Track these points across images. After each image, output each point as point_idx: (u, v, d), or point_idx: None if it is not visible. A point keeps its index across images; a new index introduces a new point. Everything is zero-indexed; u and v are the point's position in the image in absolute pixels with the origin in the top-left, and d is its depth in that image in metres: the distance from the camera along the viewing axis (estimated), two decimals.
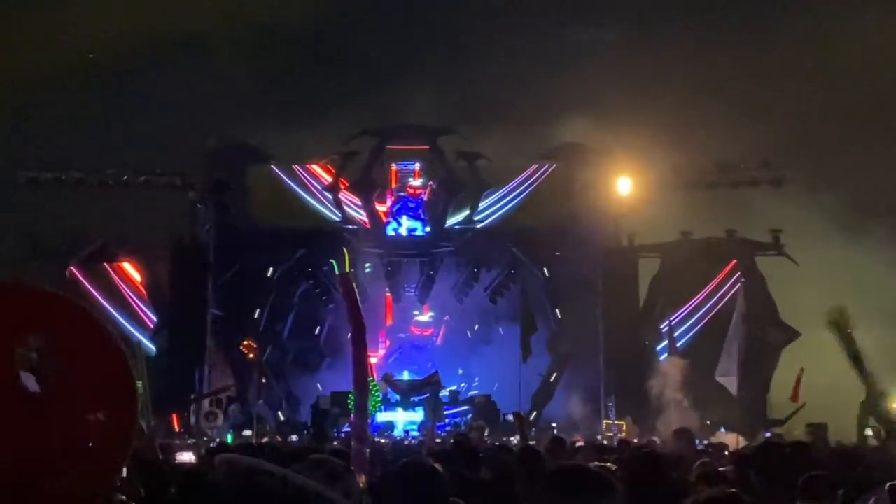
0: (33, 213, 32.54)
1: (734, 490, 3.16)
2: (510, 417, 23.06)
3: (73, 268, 32.13)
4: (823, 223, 29.06)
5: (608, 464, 7.69)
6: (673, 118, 31.20)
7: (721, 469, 7.21)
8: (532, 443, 11.03)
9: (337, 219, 34.10)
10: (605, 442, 20.36)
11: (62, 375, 2.96)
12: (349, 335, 3.99)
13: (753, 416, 29.49)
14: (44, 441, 2.84)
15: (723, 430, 24.40)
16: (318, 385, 33.17)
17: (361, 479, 2.91)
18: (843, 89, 33.18)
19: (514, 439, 21.76)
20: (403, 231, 34.17)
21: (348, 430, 23.55)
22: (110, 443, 2.95)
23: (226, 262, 33.90)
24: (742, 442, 16.65)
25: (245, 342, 31.56)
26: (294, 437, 25.84)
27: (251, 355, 30.86)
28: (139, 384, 3.27)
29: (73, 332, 3.07)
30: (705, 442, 17.19)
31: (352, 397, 26.17)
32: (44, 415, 2.89)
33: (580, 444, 13.69)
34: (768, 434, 24.02)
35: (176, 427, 27.12)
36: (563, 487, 3.54)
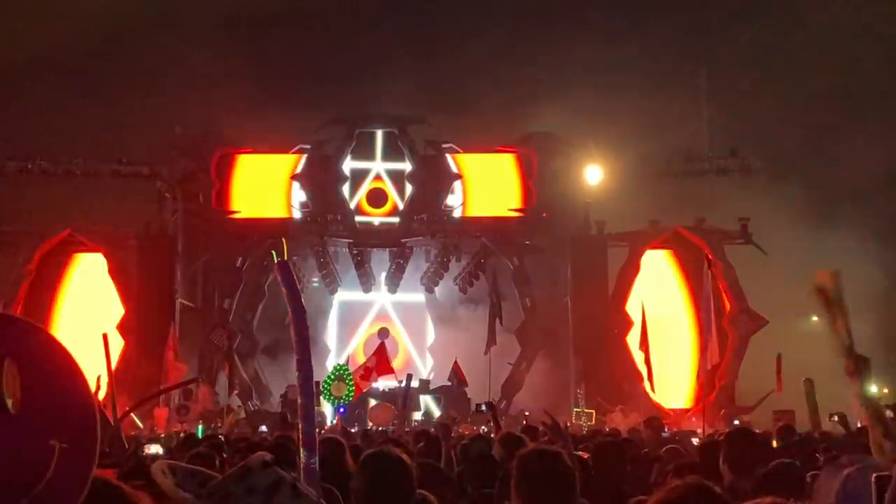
0: None
1: (702, 480, 3.13)
2: (484, 408, 23.08)
3: (38, 258, 31.81)
4: (791, 211, 29.26)
5: (579, 452, 7.70)
6: (642, 107, 31.30)
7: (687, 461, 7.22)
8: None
9: (306, 208, 33.98)
10: (574, 430, 20.40)
11: (25, 398, 2.97)
12: (291, 330, 3.82)
13: (724, 404, 29.83)
14: (10, 457, 2.86)
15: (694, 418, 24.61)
16: (288, 375, 33.04)
17: (311, 492, 2.82)
18: (811, 77, 33.42)
19: (485, 429, 21.81)
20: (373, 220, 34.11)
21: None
22: (72, 468, 2.93)
23: (194, 251, 33.73)
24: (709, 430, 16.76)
25: (217, 332, 31.46)
26: (263, 428, 25.74)
27: (221, 346, 30.76)
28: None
29: (34, 356, 3.07)
30: (674, 430, 17.32)
31: (323, 386, 26.14)
32: (12, 434, 2.89)
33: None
34: (736, 422, 24.14)
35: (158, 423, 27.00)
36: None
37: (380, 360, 26.46)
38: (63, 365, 3.13)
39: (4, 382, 2.96)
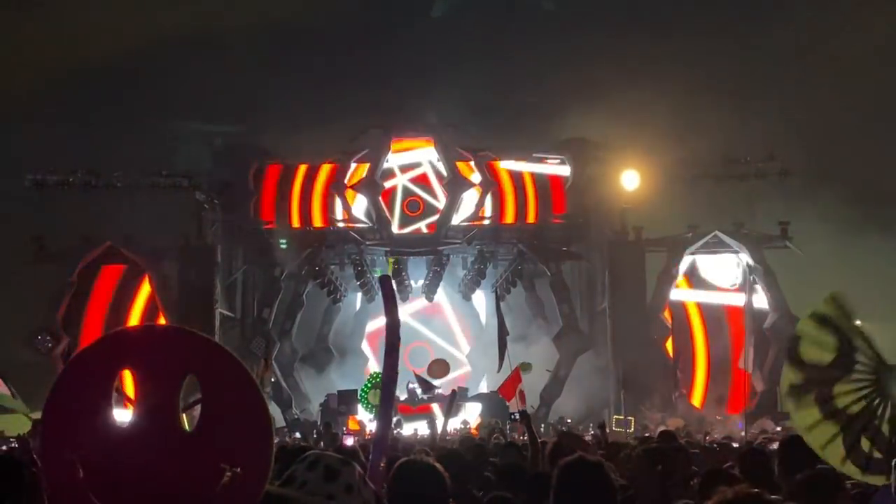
0: (40, 216, 32.58)
1: (756, 490, 3.11)
2: (517, 416, 22.92)
3: (80, 271, 32.21)
4: (831, 214, 28.94)
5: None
6: (679, 111, 31.09)
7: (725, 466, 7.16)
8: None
9: (344, 217, 34.13)
10: (614, 437, 20.27)
11: (209, 420, 3.15)
12: (385, 340, 3.94)
13: (766, 409, 29.53)
14: (186, 475, 3.05)
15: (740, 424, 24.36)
16: (326, 384, 33.22)
17: (373, 490, 2.91)
18: (849, 79, 33.09)
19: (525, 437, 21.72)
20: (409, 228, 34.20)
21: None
22: (241, 491, 3.06)
23: (233, 262, 34.03)
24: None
25: (257, 342, 31.74)
26: (297, 435, 25.88)
27: (261, 355, 30.94)
28: None
29: (224, 382, 3.22)
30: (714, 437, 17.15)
31: (361, 394, 26.25)
32: (188, 449, 3.10)
33: (588, 440, 13.65)
34: (778, 428, 23.94)
35: None
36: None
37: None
38: (242, 385, 3.23)
39: (185, 400, 3.18)
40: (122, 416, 3.20)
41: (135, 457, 3.08)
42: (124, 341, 3.34)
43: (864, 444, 3.73)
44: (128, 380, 3.25)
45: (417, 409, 29.26)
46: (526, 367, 22.86)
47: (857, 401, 3.75)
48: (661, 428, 22.29)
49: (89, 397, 3.16)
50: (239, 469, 3.04)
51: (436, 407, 29.07)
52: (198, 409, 3.17)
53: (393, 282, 4.16)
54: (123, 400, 3.52)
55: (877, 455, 3.69)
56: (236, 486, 3.04)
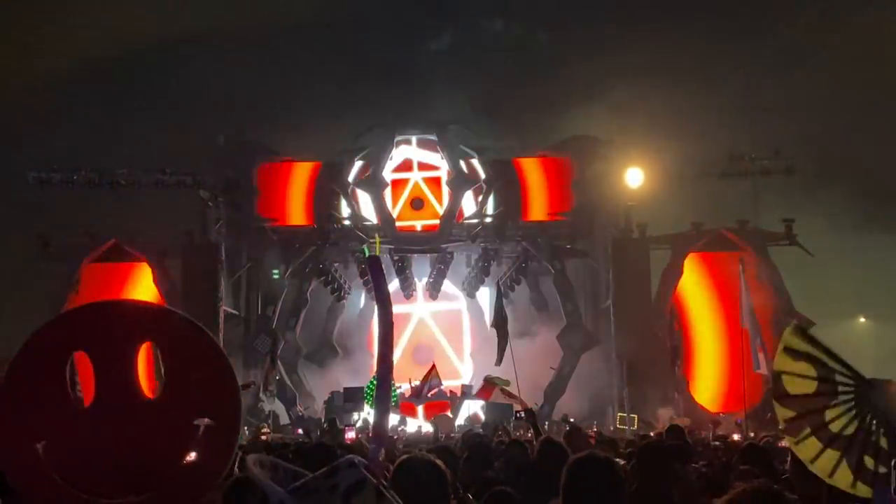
0: (44, 213, 32.63)
1: (776, 486, 3.09)
2: (522, 415, 22.91)
3: (84, 268, 32.24)
4: (836, 212, 28.91)
5: (618, 459, 7.64)
6: (683, 108, 31.06)
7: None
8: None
9: (347, 215, 34.16)
10: (618, 435, 20.28)
11: (171, 381, 3.29)
12: (377, 321, 3.93)
13: (771, 408, 29.47)
14: (157, 440, 3.18)
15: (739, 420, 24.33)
16: (331, 381, 33.21)
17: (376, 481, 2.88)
18: (854, 77, 33.03)
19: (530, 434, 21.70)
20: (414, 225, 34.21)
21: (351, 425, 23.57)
22: (215, 444, 3.20)
23: (237, 259, 34.02)
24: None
25: (261, 339, 31.72)
26: (300, 431, 25.90)
27: (265, 352, 30.92)
28: None
29: (180, 342, 3.35)
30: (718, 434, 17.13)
31: (366, 392, 26.22)
32: (157, 416, 3.23)
33: (592, 437, 13.64)
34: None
35: None
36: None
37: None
38: (202, 345, 3.36)
39: (143, 365, 3.31)
40: (79, 398, 3.29)
41: (100, 431, 3.16)
42: (73, 322, 3.42)
43: (868, 461, 3.72)
44: (82, 364, 3.32)
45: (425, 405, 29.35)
46: (501, 382, 22.80)
47: (850, 421, 3.75)
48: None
49: (43, 383, 3.22)
50: (211, 421, 3.14)
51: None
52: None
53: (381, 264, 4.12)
54: (77, 386, 3.62)
55: (882, 470, 3.68)
56: (211, 437, 3.14)
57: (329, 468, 2.85)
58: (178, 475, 3.17)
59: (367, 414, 27.62)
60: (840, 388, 3.78)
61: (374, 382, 24.37)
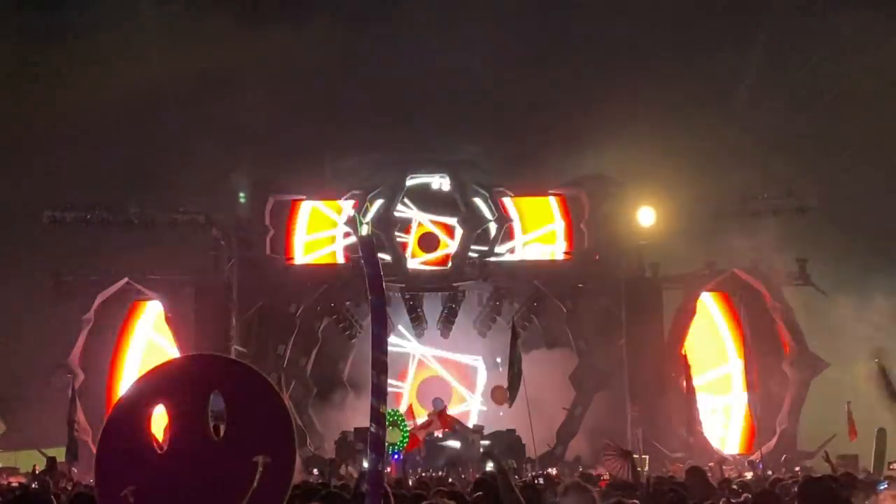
0: (57, 252, 32.72)
1: None
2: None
3: (97, 307, 32.30)
4: (850, 251, 28.76)
5: (633, 500, 7.55)
6: (695, 148, 31.05)
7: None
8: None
9: (359, 254, 34.13)
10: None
11: (236, 425, 3.72)
12: (370, 307, 4.04)
13: (785, 449, 29.24)
14: (224, 478, 3.60)
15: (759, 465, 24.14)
16: (341, 421, 33.05)
17: None
18: (867, 116, 32.97)
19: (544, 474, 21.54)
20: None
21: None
22: (275, 479, 3.60)
23: (249, 298, 34.01)
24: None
25: (272, 378, 31.65)
26: (315, 472, 25.71)
27: None
28: None
29: (243, 390, 3.80)
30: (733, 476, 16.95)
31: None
32: (222, 455, 3.67)
33: (605, 479, 13.50)
34: (797, 468, 23.67)
35: None
36: None
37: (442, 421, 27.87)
38: (261, 390, 3.78)
39: (212, 413, 3.76)
40: (157, 447, 3.75)
41: (177, 473, 3.61)
42: (154, 379, 3.92)
43: None
44: (161, 415, 3.82)
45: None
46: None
47: None
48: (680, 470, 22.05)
49: (133, 435, 3.70)
50: (269, 458, 3.53)
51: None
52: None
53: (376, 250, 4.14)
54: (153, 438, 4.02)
55: None
56: (270, 473, 3.53)
57: None
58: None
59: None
60: None
61: (393, 412, 24.46)
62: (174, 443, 3.69)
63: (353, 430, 30.23)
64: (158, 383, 3.85)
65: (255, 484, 3.48)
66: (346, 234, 34.01)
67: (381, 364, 4.03)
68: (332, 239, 34.31)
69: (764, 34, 34.42)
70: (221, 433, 3.71)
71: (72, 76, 33.38)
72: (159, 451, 3.68)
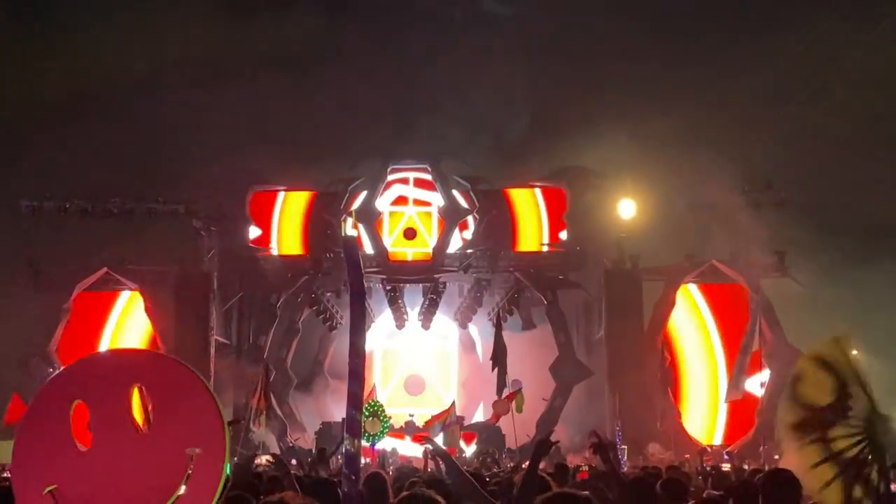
0: (36, 242, 32.53)
1: None
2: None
3: (76, 296, 32.14)
4: (828, 244, 28.93)
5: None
6: (676, 141, 31.15)
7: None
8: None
9: (340, 244, 34.13)
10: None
11: (163, 418, 3.71)
12: (349, 301, 4.10)
13: (764, 440, 29.39)
14: (152, 472, 3.57)
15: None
16: (322, 411, 33.07)
17: None
18: (848, 109, 33.15)
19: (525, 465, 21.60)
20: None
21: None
22: (207, 470, 3.59)
23: (229, 289, 33.94)
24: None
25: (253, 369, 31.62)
26: (294, 462, 25.67)
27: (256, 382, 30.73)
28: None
29: (169, 383, 3.78)
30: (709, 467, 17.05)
31: (365, 411, 26.08)
32: (150, 450, 3.63)
33: (583, 470, 13.56)
34: (777, 455, 23.82)
35: None
36: None
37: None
38: (187, 383, 3.76)
39: (138, 406, 3.75)
40: (81, 444, 3.71)
41: (102, 470, 3.58)
42: (71, 375, 3.91)
43: (858, 490, 3.71)
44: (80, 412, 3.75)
45: (413, 438, 29.12)
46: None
47: (853, 446, 3.73)
48: (660, 461, 22.19)
49: (52, 433, 3.67)
50: (199, 449, 3.51)
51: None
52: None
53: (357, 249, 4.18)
54: (74, 434, 3.99)
55: None
56: (201, 463, 3.51)
57: None
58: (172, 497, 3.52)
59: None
60: (852, 413, 3.76)
61: (367, 413, 24.18)
62: (97, 439, 3.65)
63: (341, 420, 30.14)
64: (77, 379, 3.82)
65: (187, 474, 3.49)
66: (329, 227, 33.94)
67: (358, 350, 4.07)
68: (314, 230, 34.21)
69: (744, 28, 34.61)
70: (149, 427, 3.68)
71: (50, 66, 33.16)
72: (80, 449, 3.66)
